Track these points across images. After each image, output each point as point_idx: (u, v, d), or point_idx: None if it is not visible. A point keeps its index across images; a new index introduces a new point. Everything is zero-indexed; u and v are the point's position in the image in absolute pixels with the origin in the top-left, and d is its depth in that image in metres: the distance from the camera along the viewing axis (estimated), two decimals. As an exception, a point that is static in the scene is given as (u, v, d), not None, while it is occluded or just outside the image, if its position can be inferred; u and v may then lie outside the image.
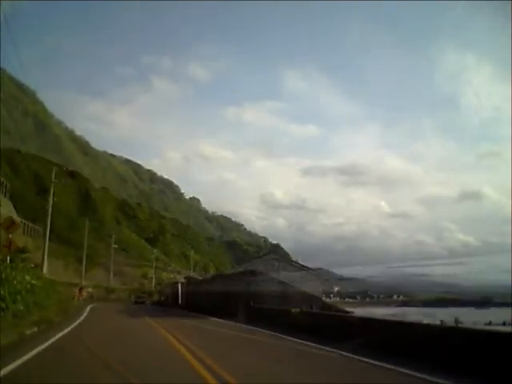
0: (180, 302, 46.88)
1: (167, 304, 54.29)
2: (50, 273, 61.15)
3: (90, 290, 67.05)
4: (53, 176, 45.45)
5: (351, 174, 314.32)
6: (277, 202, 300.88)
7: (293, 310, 19.55)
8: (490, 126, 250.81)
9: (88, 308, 37.93)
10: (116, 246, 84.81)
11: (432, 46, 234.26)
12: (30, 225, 69.43)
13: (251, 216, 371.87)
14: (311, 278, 31.58)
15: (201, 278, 61.91)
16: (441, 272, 48.30)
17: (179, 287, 48.95)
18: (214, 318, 27.47)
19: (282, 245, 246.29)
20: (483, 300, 49.40)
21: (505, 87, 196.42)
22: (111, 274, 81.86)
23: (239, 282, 30.09)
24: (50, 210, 43.55)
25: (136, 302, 62.74)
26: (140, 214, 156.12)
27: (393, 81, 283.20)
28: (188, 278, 53.68)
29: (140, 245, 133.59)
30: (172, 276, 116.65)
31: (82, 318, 27.18)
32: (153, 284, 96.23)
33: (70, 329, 18.92)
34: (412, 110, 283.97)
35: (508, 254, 31.53)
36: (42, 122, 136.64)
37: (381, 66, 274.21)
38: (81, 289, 57.89)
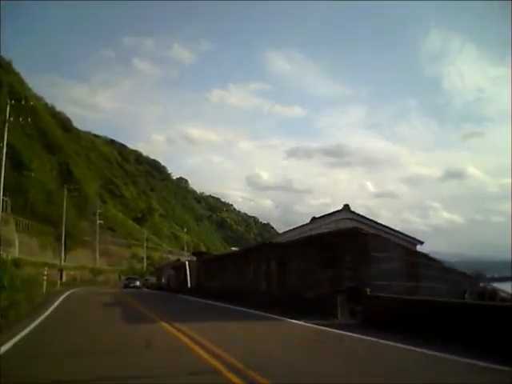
0: (189, 285, 35.20)
1: (169, 288, 42.62)
2: (23, 253, 48.96)
3: (72, 272, 54.51)
4: (7, 113, 33.05)
5: (337, 155, 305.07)
6: (263, 183, 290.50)
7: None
8: (473, 107, 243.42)
9: (62, 297, 26.13)
10: (101, 221, 72.11)
11: (416, 27, 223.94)
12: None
13: (238, 198, 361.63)
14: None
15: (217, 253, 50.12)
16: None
17: (187, 267, 37.09)
18: (278, 317, 15.17)
19: (272, 224, 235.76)
20: None
21: (488, 69, 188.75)
22: (97, 254, 69.18)
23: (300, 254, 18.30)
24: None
25: (126, 286, 49.76)
26: (127, 192, 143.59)
27: (377, 62, 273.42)
28: (200, 255, 40.76)
29: (128, 224, 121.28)
30: (164, 256, 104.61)
31: (42, 317, 15.67)
32: (144, 265, 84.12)
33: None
34: (397, 91, 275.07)
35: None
36: (18, 93, 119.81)
37: (365, 47, 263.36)
38: (60, 271, 45.86)
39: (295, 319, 13.94)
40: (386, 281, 14.01)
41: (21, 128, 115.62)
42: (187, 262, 39.88)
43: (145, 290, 47.33)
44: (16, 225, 51.23)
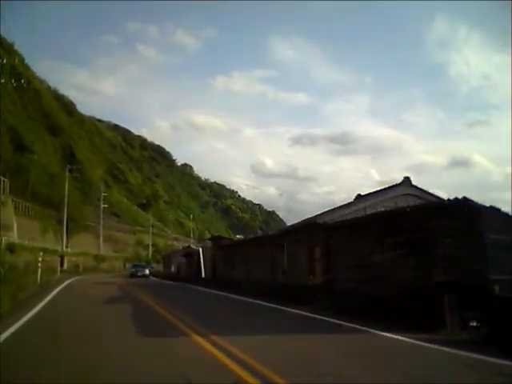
0: (204, 274, 31.17)
1: (180, 278, 38.45)
2: (23, 237, 45.10)
3: (74, 259, 50.65)
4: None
5: (342, 143, 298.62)
6: (268, 170, 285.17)
7: None
8: (478, 95, 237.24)
9: (58, 289, 22.28)
10: (106, 205, 68.13)
11: (421, 14, 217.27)
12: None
13: (242, 185, 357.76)
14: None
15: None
16: None
17: (201, 254, 32.99)
18: (357, 327, 10.89)
19: (277, 212, 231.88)
20: None
21: (493, 56, 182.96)
22: (101, 240, 65.29)
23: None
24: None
25: (133, 275, 43.77)
26: (131, 178, 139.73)
27: (382, 50, 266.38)
28: (218, 240, 34.52)
29: (132, 210, 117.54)
30: (170, 243, 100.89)
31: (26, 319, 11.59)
32: (150, 252, 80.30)
33: None
34: (402, 79, 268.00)
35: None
36: (20, 74, 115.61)
37: (370, 34, 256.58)
38: (61, 258, 41.97)
39: (386, 331, 9.67)
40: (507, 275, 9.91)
41: (23, 110, 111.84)
42: (201, 249, 35.75)
43: (152, 278, 43.30)
44: (15, 208, 47.34)
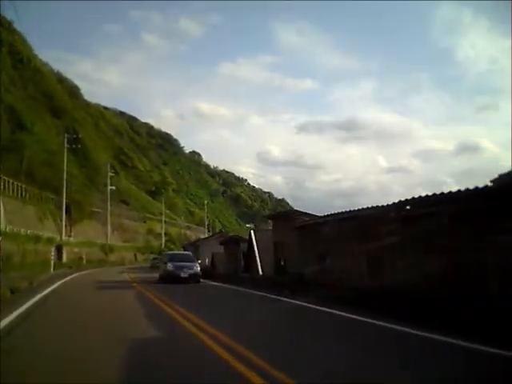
0: (261, 270, 21.41)
1: (221, 275, 27.53)
2: (14, 223, 35.70)
3: (76, 249, 40.69)
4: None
5: (348, 129, 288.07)
6: (274, 159, 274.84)
7: None
8: (486, 79, 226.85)
9: (28, 304, 11.26)
10: (113, 187, 58.33)
11: None
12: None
13: (248, 174, 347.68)
14: None
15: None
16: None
17: (254, 241, 23.00)
18: None
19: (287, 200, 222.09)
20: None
21: (501, 40, 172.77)
22: (108, 228, 55.48)
23: None
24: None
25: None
26: (139, 164, 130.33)
27: (388, 34, 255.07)
28: (284, 217, 21.70)
29: (141, 197, 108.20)
30: (183, 232, 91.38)
31: None
32: (163, 241, 70.59)
33: None
34: (408, 64, 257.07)
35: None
36: (19, 52, 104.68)
37: (375, 19, 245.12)
38: (58, 248, 32.38)
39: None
40: None
41: (23, 89, 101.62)
42: (253, 232, 25.43)
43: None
44: (3, 187, 37.69)
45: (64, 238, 40.78)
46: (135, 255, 59.45)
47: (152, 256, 43.11)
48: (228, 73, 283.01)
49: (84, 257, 39.54)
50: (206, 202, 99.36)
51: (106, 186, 65.04)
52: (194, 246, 43.93)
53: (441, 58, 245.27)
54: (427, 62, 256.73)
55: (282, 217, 22.32)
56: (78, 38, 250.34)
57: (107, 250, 52.69)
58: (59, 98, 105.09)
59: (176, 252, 35.79)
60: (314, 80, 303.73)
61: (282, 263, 19.77)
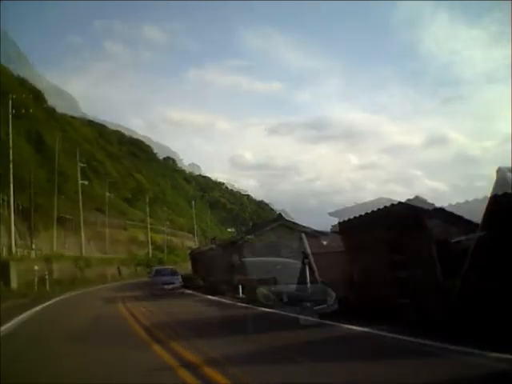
0: (354, 292, 10.69)
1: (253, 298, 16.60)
2: None
3: (36, 267, 27.65)
4: None
5: (318, 128, 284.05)
6: (246, 163, 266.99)
7: None
8: (449, 71, 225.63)
9: None
10: (85, 181, 46.06)
11: None
12: None
13: (222, 180, 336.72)
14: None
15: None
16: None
17: (307, 247, 12.72)
18: None
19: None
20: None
21: (461, 31, 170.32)
22: (82, 235, 43.10)
23: None
24: None
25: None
26: (113, 170, 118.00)
27: (350, 33, 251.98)
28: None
29: (117, 204, 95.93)
30: (169, 238, 79.26)
31: None
32: (149, 250, 58.51)
33: None
34: (371, 60, 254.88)
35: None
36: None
37: (336, 17, 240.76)
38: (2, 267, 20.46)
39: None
40: None
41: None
42: (304, 236, 15.15)
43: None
44: None
45: (18, 250, 28.69)
46: (119, 269, 47.59)
47: (155, 268, 30.67)
48: (196, 79, 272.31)
49: (47, 277, 26.76)
50: (193, 204, 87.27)
51: (76, 193, 53.11)
52: (203, 254, 31.76)
53: (403, 54, 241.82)
54: (390, 58, 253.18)
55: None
56: (39, 51, 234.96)
57: (82, 264, 40.25)
58: (19, 98, 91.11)
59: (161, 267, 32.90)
60: (282, 82, 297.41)
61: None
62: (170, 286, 24.55)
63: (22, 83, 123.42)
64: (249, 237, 21.68)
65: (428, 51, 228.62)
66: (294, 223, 21.72)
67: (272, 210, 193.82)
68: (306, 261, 13.93)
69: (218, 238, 47.05)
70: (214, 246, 30.01)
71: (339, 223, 13.34)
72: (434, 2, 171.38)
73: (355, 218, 12.59)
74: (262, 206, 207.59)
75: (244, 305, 16.97)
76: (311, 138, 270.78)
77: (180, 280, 25.92)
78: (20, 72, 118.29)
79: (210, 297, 22.39)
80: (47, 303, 20.82)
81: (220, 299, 20.71)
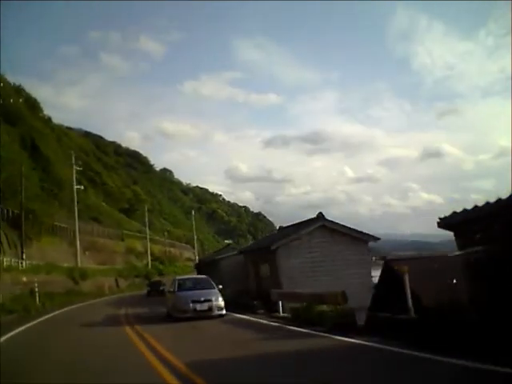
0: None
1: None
2: None
3: (24, 279, 23.91)
4: None
5: (314, 142, 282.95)
6: (242, 175, 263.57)
7: None
8: (444, 85, 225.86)
9: None
10: (81, 186, 42.63)
11: (382, 7, 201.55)
12: None
13: (218, 192, 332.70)
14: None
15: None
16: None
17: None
18: None
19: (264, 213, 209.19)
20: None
21: (456, 45, 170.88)
22: (78, 245, 39.53)
23: None
24: None
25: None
26: (109, 180, 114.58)
27: (346, 46, 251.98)
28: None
29: (114, 214, 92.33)
30: (167, 249, 75.67)
31: None
32: (149, 260, 54.98)
33: None
34: (366, 74, 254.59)
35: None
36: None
37: (332, 31, 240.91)
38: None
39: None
40: None
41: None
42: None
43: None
44: None
45: (5, 260, 25.17)
46: (116, 281, 43.93)
47: (177, 279, 26.74)
48: (191, 90, 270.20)
49: (37, 290, 22.90)
50: (193, 212, 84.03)
51: (72, 201, 49.60)
52: (216, 264, 27.39)
53: (399, 67, 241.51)
54: (386, 72, 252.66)
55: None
56: (35, 63, 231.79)
57: (78, 276, 36.61)
58: (14, 105, 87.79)
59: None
60: (277, 94, 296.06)
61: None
62: (206, 306, 16.42)
63: (17, 90, 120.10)
64: (283, 241, 17.77)
65: (422, 65, 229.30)
66: (336, 224, 18.15)
67: (269, 221, 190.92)
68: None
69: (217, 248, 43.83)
70: (235, 252, 25.93)
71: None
72: (429, 15, 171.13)
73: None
74: (259, 217, 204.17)
75: (298, 329, 11.73)
76: (307, 151, 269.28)
77: (219, 295, 17.10)
78: (15, 81, 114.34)
79: (238, 315, 16.45)
80: (30, 324, 16.84)
81: (256, 319, 14.96)
